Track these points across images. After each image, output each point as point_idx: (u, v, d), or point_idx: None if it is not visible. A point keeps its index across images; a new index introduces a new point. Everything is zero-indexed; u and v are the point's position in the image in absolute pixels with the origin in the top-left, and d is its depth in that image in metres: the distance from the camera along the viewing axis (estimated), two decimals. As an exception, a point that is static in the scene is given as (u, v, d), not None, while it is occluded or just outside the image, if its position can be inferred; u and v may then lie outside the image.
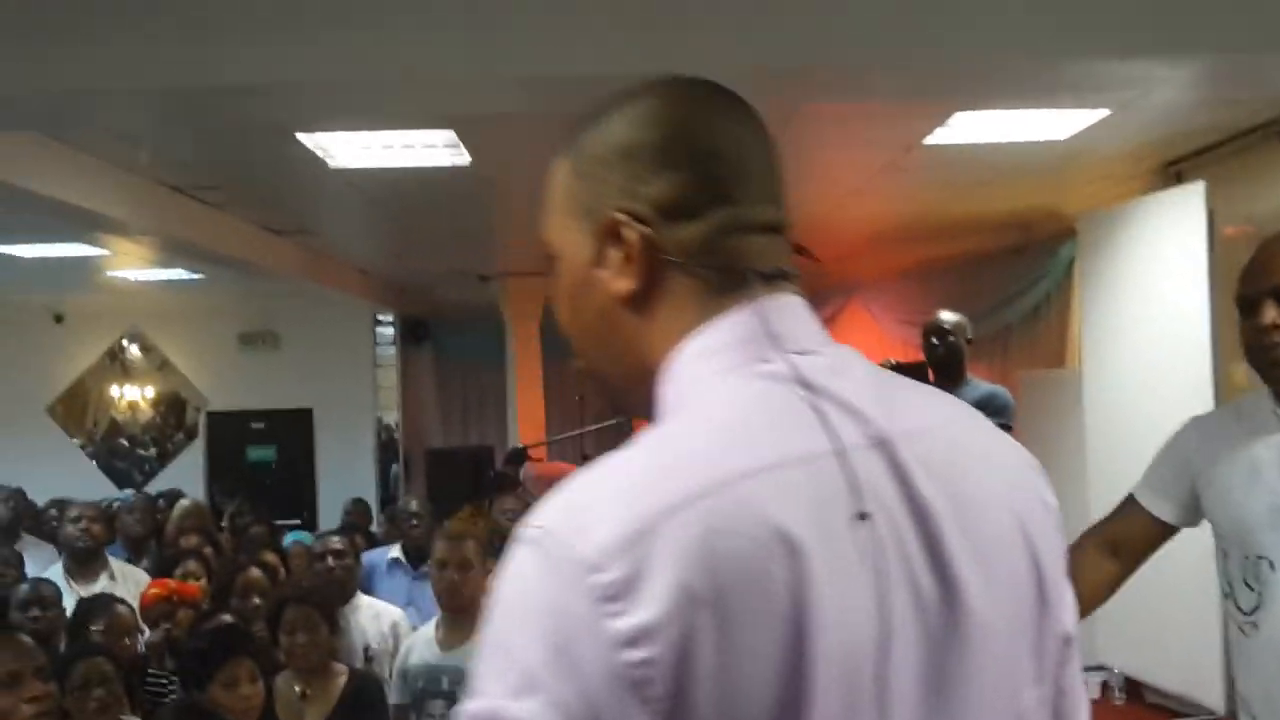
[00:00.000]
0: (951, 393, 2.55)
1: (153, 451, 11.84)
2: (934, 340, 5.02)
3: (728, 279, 0.96)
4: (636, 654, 0.78)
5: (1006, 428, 4.39)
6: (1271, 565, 2.11)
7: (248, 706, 3.19)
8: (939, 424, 0.98)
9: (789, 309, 0.98)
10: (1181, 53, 3.35)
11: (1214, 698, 5.35)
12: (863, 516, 0.86)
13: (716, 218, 0.97)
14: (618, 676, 0.79)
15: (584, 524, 0.82)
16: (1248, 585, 2.16)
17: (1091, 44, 3.32)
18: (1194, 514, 2.32)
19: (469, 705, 0.84)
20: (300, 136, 4.98)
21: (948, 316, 5.08)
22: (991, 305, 8.22)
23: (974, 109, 4.86)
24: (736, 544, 0.81)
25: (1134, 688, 6.12)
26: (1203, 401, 5.30)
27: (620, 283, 0.98)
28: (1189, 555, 5.28)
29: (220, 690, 3.24)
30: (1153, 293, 5.89)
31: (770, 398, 0.91)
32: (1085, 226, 6.79)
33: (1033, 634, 0.96)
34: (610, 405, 1.08)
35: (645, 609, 0.79)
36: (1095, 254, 6.57)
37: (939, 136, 5.27)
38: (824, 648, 0.82)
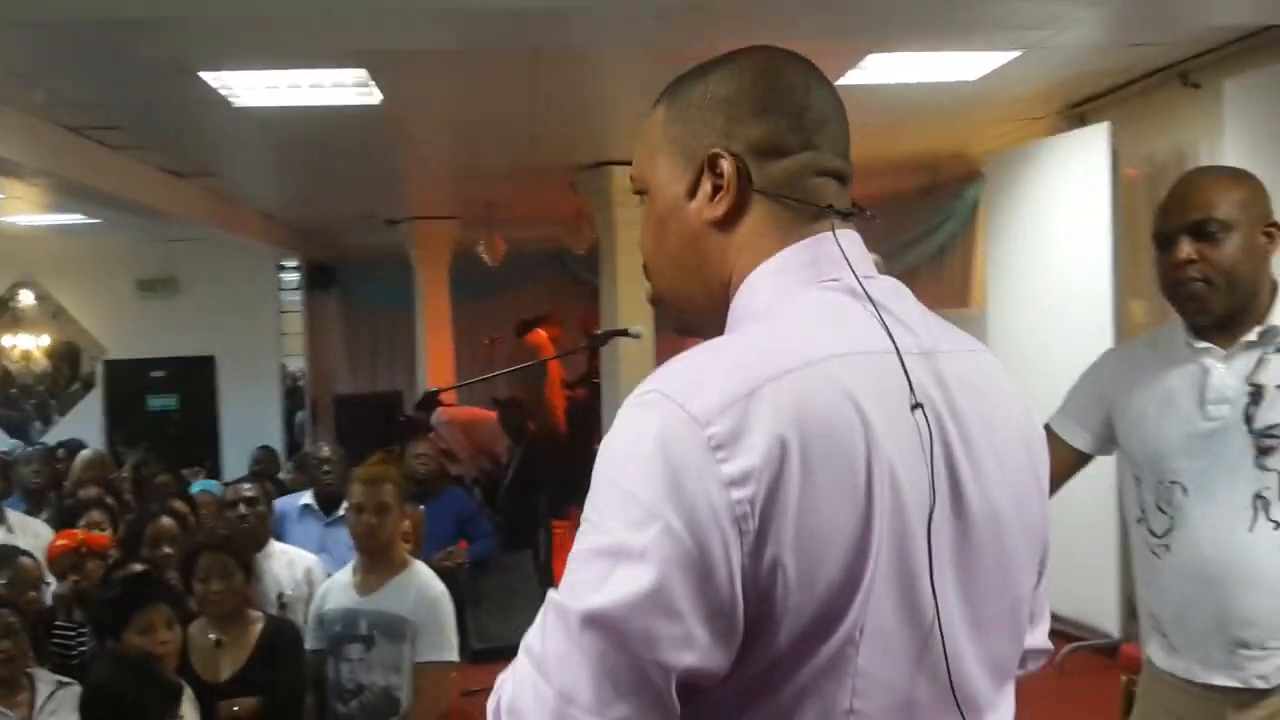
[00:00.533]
0: None
1: (50, 402, 11.52)
2: None
3: (805, 211, 1.15)
4: (739, 493, 0.96)
5: None
6: (1184, 490, 2.18)
7: (165, 652, 3.14)
8: (966, 349, 1.19)
9: (854, 241, 1.16)
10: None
11: (1110, 623, 5.55)
12: (916, 407, 1.05)
13: (800, 160, 1.15)
14: (722, 511, 0.96)
15: (695, 389, 1.00)
16: (1160, 509, 2.23)
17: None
18: (1108, 443, 2.39)
19: (590, 541, 1.00)
20: (204, 75, 4.83)
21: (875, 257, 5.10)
22: (899, 246, 8.32)
23: (891, 49, 4.88)
24: (821, 408, 1.00)
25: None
26: (1104, 339, 5.44)
27: (712, 209, 1.15)
28: (1087, 486, 5.46)
29: (136, 637, 3.19)
30: (1056, 232, 6.00)
31: (843, 305, 1.10)
32: (992, 168, 6.90)
33: (1032, 535, 1.19)
34: (679, 324, 1.25)
35: (746, 456, 0.96)
36: (1001, 194, 6.68)
37: (851, 78, 5.29)
38: (884, 504, 1.01)
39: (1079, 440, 2.40)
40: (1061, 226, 5.96)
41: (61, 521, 4.87)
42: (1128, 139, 5.78)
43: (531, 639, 1.04)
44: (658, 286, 1.25)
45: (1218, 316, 2.15)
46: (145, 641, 3.12)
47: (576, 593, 0.99)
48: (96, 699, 2.85)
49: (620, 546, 0.97)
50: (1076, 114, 6.42)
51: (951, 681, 1.07)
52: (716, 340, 1.12)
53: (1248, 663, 2.12)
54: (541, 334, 10.92)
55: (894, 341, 1.07)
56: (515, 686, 1.02)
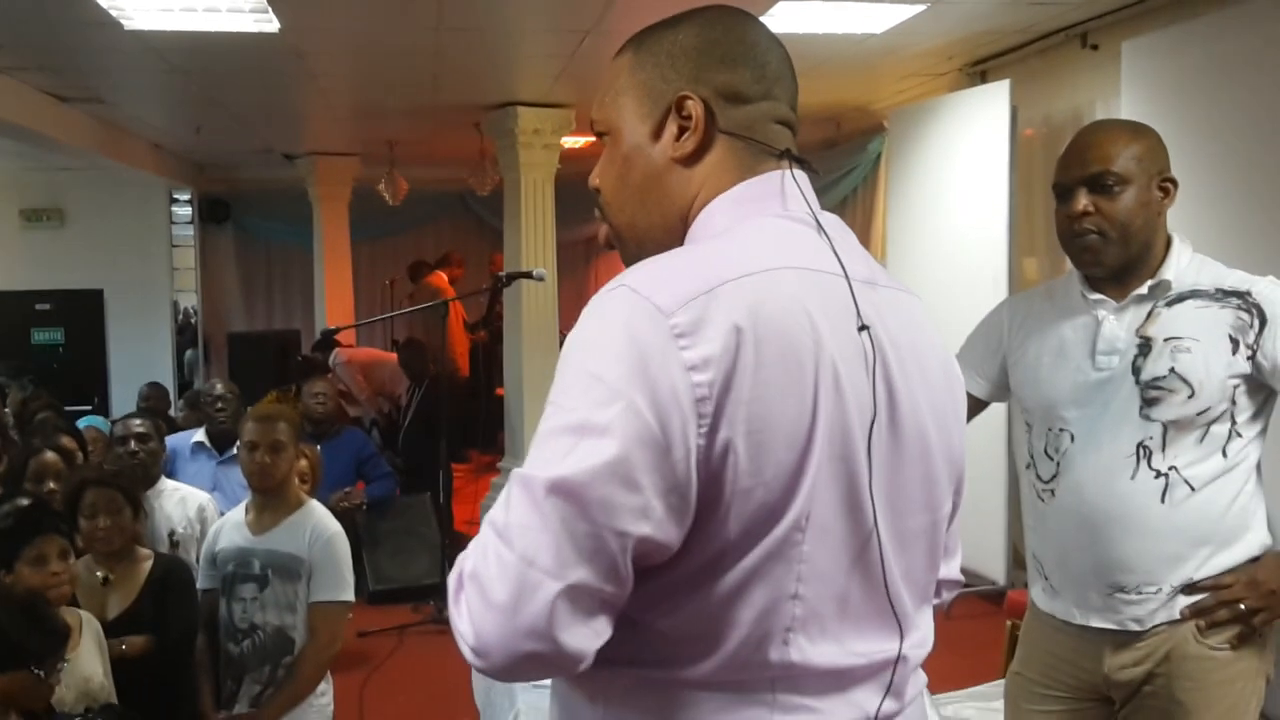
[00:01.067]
0: None
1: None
2: None
3: (762, 152, 1.27)
4: (698, 377, 1.06)
5: None
6: (1071, 437, 2.25)
7: (58, 583, 3.05)
8: (898, 288, 1.31)
9: (806, 180, 1.29)
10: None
11: (997, 571, 5.72)
12: (863, 328, 1.17)
13: (761, 108, 1.28)
14: (683, 393, 1.06)
15: (661, 285, 1.10)
16: (1048, 455, 2.30)
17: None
18: (1003, 390, 2.45)
19: (555, 420, 1.08)
20: (93, -7, 4.64)
21: None
22: None
23: (799, -2, 4.89)
24: (776, 308, 1.10)
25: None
26: (999, 292, 5.56)
27: (679, 147, 1.26)
28: (976, 436, 5.60)
29: (28, 569, 3.09)
30: (955, 187, 6.10)
31: (798, 231, 1.22)
32: (895, 122, 6.97)
33: (953, 461, 1.31)
34: (634, 259, 1.29)
35: (706, 345, 1.07)
36: (903, 148, 6.76)
37: (760, 25, 5.29)
38: (829, 402, 1.11)
39: (975, 388, 2.43)
40: (961, 182, 6.06)
41: (-58, 455, 4.69)
42: (1027, 98, 5.88)
43: (495, 513, 1.10)
44: (616, 221, 1.34)
45: (1111, 268, 2.20)
46: (36, 574, 3.03)
47: (542, 464, 1.06)
48: None
49: (585, 423, 1.05)
50: (978, 71, 6.51)
51: (886, 584, 1.18)
52: (679, 249, 1.21)
53: (1124, 606, 2.19)
54: (441, 276, 10.81)
55: (843, 267, 1.19)
56: (477, 555, 1.09)
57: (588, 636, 1.06)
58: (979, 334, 2.50)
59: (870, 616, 1.18)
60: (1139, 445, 2.16)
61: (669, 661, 1.13)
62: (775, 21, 5.24)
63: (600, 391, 1.06)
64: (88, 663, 3.06)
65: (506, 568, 1.05)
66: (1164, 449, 2.14)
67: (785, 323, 1.10)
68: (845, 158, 8.38)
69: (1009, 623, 4.50)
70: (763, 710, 1.13)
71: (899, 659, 1.20)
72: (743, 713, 1.13)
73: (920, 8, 5.13)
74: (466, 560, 1.10)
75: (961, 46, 6.12)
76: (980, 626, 5.49)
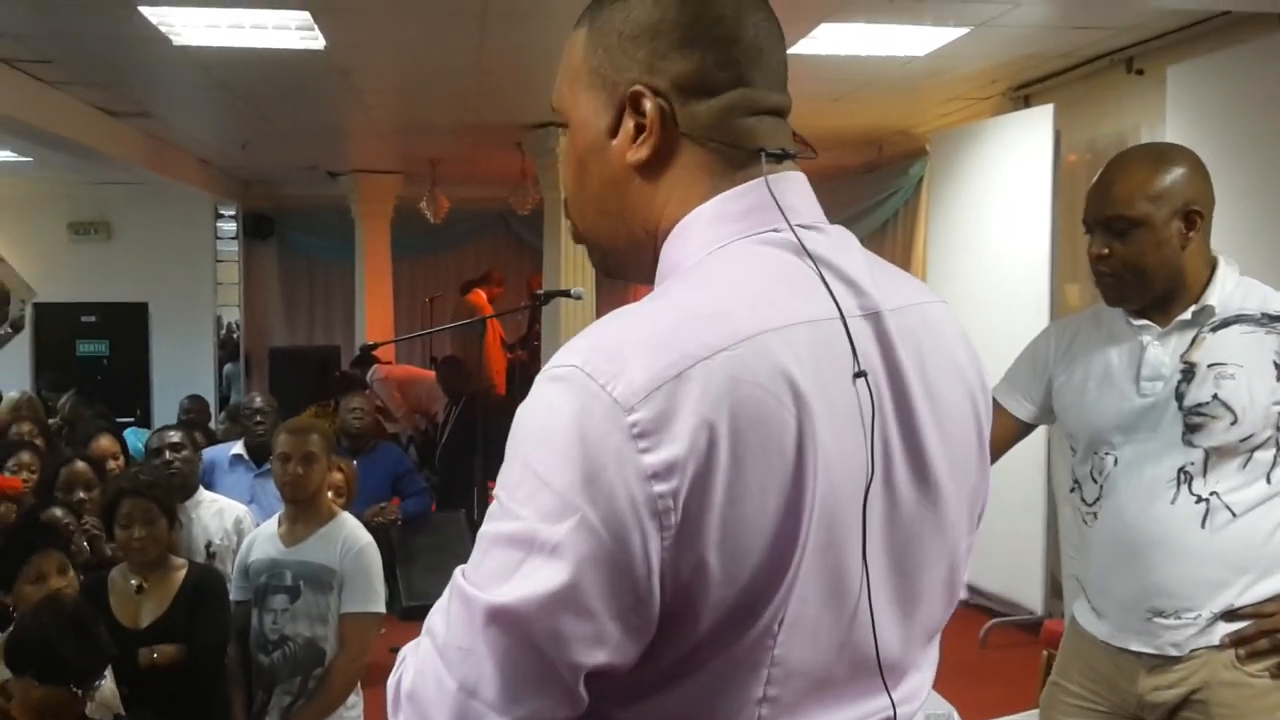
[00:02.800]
0: None
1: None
2: None
3: (737, 155, 1.05)
4: (661, 486, 0.89)
5: None
6: (1115, 461, 2.24)
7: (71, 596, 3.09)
8: (915, 303, 1.11)
9: (795, 184, 1.08)
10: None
11: (1034, 600, 5.65)
12: (859, 375, 0.98)
13: (730, 98, 1.05)
14: (643, 505, 0.89)
15: (619, 368, 0.91)
16: (1093, 479, 2.29)
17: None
18: (1048, 414, 2.45)
19: (500, 526, 0.93)
20: (143, 10, 4.70)
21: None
22: (843, 221, 8.30)
23: (844, 19, 4.88)
24: (753, 391, 0.92)
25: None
26: (1041, 318, 5.50)
27: (635, 151, 1.06)
28: (1016, 465, 5.54)
29: (29, 587, 3.13)
30: (997, 213, 6.06)
31: (781, 264, 1.02)
32: (937, 145, 6.94)
33: (971, 493, 1.13)
34: (602, 267, 1.18)
35: (671, 446, 0.89)
36: (945, 173, 6.72)
37: (802, 48, 5.28)
38: (817, 486, 0.94)
39: (1021, 410, 2.45)
40: (1003, 207, 6.02)
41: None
42: (1070, 123, 5.84)
43: (435, 622, 0.97)
44: (579, 227, 1.17)
45: (1140, 303, 2.21)
46: (38, 590, 3.06)
47: (483, 582, 0.92)
48: (28, 647, 2.77)
49: (532, 536, 0.90)
50: (1021, 96, 6.48)
51: (879, 653, 1.03)
52: (642, 305, 1.01)
53: (1162, 630, 2.18)
54: (480, 294, 10.85)
55: (838, 305, 0.99)
56: (417, 671, 0.97)
57: None
58: (1025, 357, 2.50)
59: (857, 684, 1.04)
60: (1180, 470, 2.14)
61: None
62: (817, 44, 5.24)
63: (548, 500, 0.90)
64: (107, 676, 3.07)
65: (446, 695, 0.93)
66: (1205, 474, 2.12)
67: (766, 408, 0.92)
68: (886, 181, 8.35)
69: (1045, 653, 4.43)
70: None
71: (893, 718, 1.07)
72: None
73: (963, 31, 5.11)
74: (405, 673, 0.98)
75: (1005, 70, 6.09)
76: (1016, 656, 5.42)
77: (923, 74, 6.02)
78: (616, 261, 1.16)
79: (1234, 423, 2.10)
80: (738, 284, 1.00)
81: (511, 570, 0.91)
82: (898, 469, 1.03)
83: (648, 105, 1.04)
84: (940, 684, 1.26)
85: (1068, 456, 2.41)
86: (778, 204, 1.03)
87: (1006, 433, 2.43)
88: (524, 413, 0.96)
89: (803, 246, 1.02)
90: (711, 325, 0.94)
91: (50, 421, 6.56)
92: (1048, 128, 5.66)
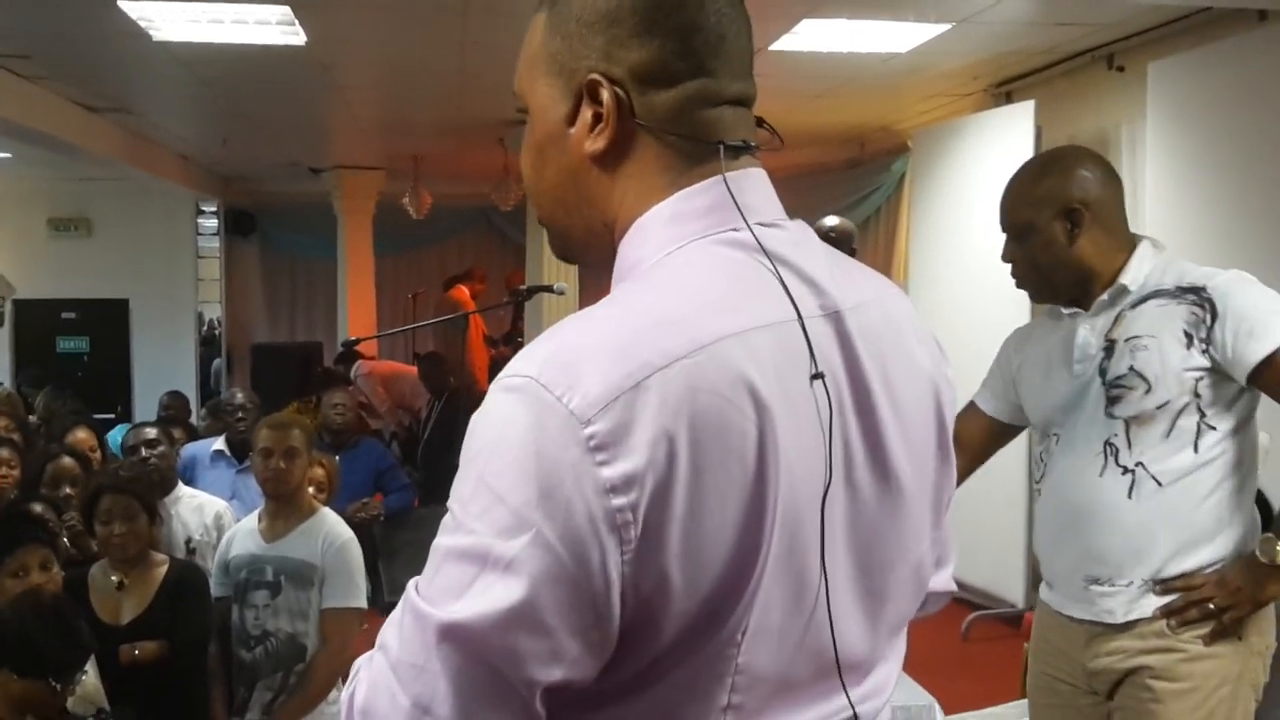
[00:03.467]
0: None
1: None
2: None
3: (697, 148, 1.03)
4: (620, 500, 0.87)
5: None
6: (1056, 439, 2.37)
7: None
8: (875, 299, 1.09)
9: (754, 181, 1.05)
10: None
11: (1015, 593, 5.67)
12: (816, 377, 0.96)
13: (690, 88, 1.02)
14: (601, 519, 0.87)
15: (575, 379, 0.88)
16: (1040, 459, 2.44)
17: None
18: (1019, 410, 2.54)
19: (454, 540, 0.91)
20: (122, 4, 4.68)
21: (830, 221, 4.96)
22: (824, 217, 8.37)
23: (826, 15, 4.88)
24: (713, 400, 0.90)
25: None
26: (1021, 313, 5.51)
27: (592, 142, 1.03)
28: (997, 458, 5.56)
29: (9, 581, 3.10)
30: (979, 208, 6.06)
31: (740, 265, 0.99)
32: (919, 142, 6.95)
33: (933, 491, 1.12)
34: (562, 253, 1.16)
35: (630, 458, 0.87)
36: (927, 169, 6.74)
37: (785, 43, 5.29)
38: (779, 493, 0.93)
39: (994, 409, 2.58)
40: (984, 203, 5.98)
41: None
42: (1052, 119, 5.86)
43: (388, 637, 0.94)
44: (539, 213, 1.15)
45: (1056, 299, 2.38)
46: (19, 585, 3.04)
47: (436, 598, 0.90)
48: (7, 641, 2.75)
49: (485, 552, 0.88)
50: (1003, 92, 6.50)
51: (837, 657, 1.01)
52: (597, 311, 0.98)
53: (1098, 598, 2.27)
54: (463, 289, 10.84)
55: (796, 308, 0.97)
56: (370, 686, 0.94)
57: None
58: (996, 362, 2.62)
59: (820, 685, 1.03)
60: (1105, 443, 2.24)
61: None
62: (799, 39, 5.25)
63: (502, 515, 0.88)
64: (90, 671, 3.06)
65: (399, 711, 0.90)
66: (1130, 446, 2.21)
67: (726, 417, 0.90)
68: (869, 178, 8.37)
69: (1026, 645, 4.45)
70: None
71: (853, 718, 1.06)
72: None
73: (945, 27, 5.12)
74: (359, 688, 0.95)
75: (986, 67, 6.10)
76: (998, 649, 5.44)
77: (905, 70, 6.03)
78: (577, 250, 1.14)
79: (1148, 391, 2.18)
80: (696, 288, 0.97)
81: (465, 586, 0.89)
82: (858, 468, 1.02)
83: (605, 95, 1.02)
84: (923, 677, 1.27)
85: (1036, 446, 2.52)
86: (736, 203, 1.01)
87: (986, 433, 2.60)
88: (478, 423, 0.94)
89: (761, 247, 1.00)
90: (669, 332, 0.92)
91: (30, 418, 6.52)
92: (1029, 124, 5.68)
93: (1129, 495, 2.20)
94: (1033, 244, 2.31)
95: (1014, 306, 5.56)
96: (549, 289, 6.30)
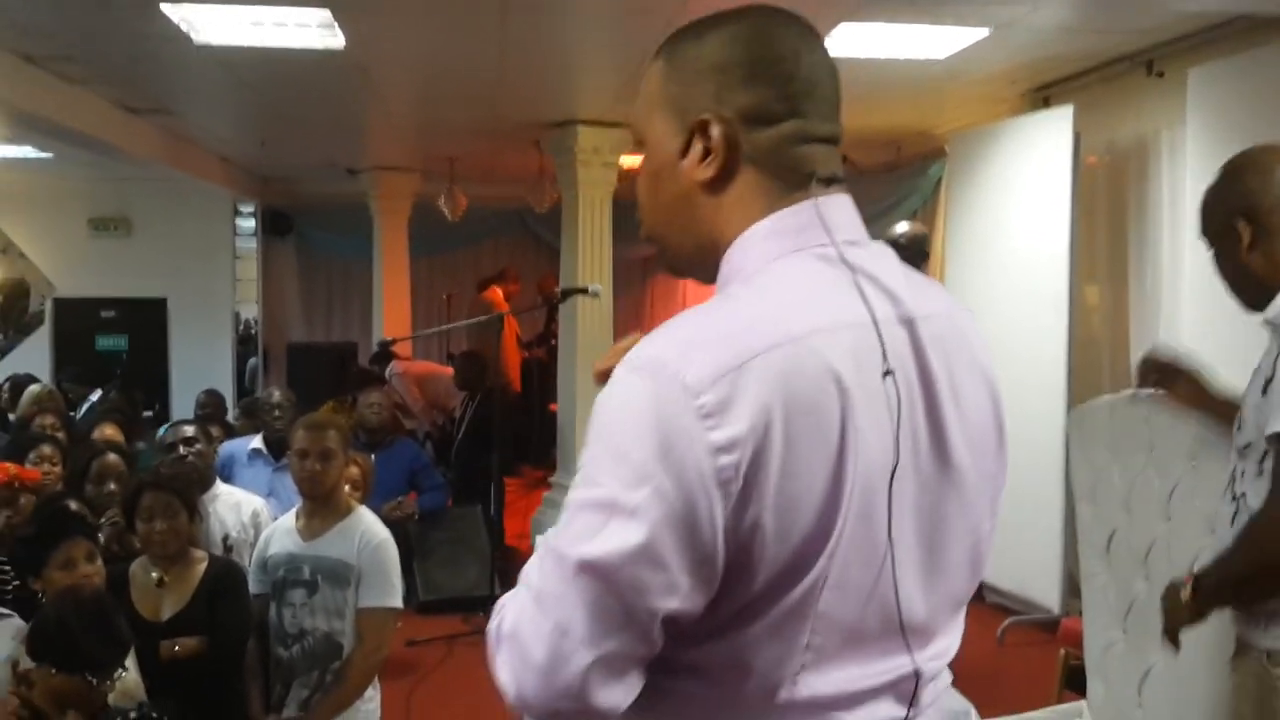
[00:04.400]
0: None
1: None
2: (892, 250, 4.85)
3: (792, 178, 1.22)
4: (725, 459, 1.05)
5: None
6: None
7: (92, 586, 3.11)
8: (945, 311, 1.27)
9: (841, 205, 1.24)
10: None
11: (1052, 599, 5.64)
12: (887, 374, 1.14)
13: (787, 128, 1.22)
14: (709, 475, 1.05)
15: (688, 359, 1.07)
16: None
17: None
18: None
19: (586, 493, 1.10)
20: (164, 7, 4.73)
21: (901, 228, 4.95)
22: (895, 225, 8.34)
23: (864, 19, 4.87)
24: (804, 382, 1.08)
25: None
26: (1059, 319, 5.50)
27: (702, 171, 1.23)
28: (1032, 463, 5.53)
29: (58, 573, 3.15)
30: (1016, 214, 6.05)
31: (827, 276, 1.18)
32: (956, 146, 6.92)
33: (992, 485, 1.30)
34: (670, 267, 1.35)
35: (734, 425, 1.05)
36: (964, 173, 6.71)
37: (821, 47, 5.28)
38: (855, 467, 1.10)
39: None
40: (1022, 208, 6.00)
41: (9, 454, 4.79)
42: (1090, 124, 5.82)
43: (530, 573, 1.14)
44: (650, 232, 1.33)
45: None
46: (66, 578, 3.08)
47: (573, 540, 1.09)
48: (47, 636, 2.80)
49: (613, 502, 1.07)
50: (1041, 97, 6.46)
51: (901, 618, 1.18)
52: (708, 307, 1.17)
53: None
54: (497, 290, 10.87)
55: (871, 313, 1.14)
56: (515, 614, 1.13)
57: (620, 693, 1.12)
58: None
59: (885, 642, 1.19)
60: (1231, 469, 2.22)
61: (693, 691, 1.17)
62: (836, 44, 5.24)
63: (627, 471, 1.07)
64: (131, 667, 3.09)
65: (542, 634, 1.10)
66: (1242, 475, 2.17)
67: (815, 397, 1.09)
68: (905, 182, 8.34)
69: (1062, 651, 4.43)
70: None
71: (916, 674, 1.21)
72: None
73: (983, 33, 5.10)
74: (505, 615, 1.15)
75: (1024, 72, 6.07)
76: (1033, 655, 5.41)
77: (942, 75, 6.00)
78: (683, 263, 1.33)
79: (1239, 428, 2.16)
80: (791, 292, 1.16)
81: (596, 531, 1.08)
82: (924, 457, 1.18)
83: (715, 132, 1.21)
84: (959, 682, 1.33)
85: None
86: (824, 223, 1.20)
87: None
88: (604, 399, 1.13)
89: (844, 261, 1.18)
90: (769, 326, 1.10)
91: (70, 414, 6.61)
92: (1067, 129, 5.65)
93: (1231, 523, 2.17)
94: (1219, 252, 2.26)
95: (1052, 311, 5.54)
96: (583, 291, 6.36)
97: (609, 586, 1.07)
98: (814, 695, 1.15)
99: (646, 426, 1.07)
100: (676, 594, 1.08)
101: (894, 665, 1.20)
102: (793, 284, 1.17)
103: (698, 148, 1.22)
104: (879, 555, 1.14)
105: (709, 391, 1.05)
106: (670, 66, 1.27)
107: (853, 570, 1.13)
